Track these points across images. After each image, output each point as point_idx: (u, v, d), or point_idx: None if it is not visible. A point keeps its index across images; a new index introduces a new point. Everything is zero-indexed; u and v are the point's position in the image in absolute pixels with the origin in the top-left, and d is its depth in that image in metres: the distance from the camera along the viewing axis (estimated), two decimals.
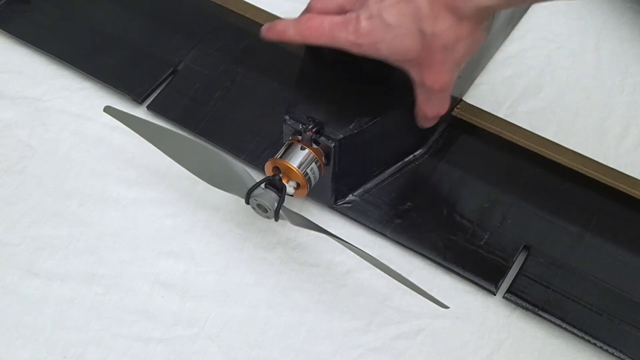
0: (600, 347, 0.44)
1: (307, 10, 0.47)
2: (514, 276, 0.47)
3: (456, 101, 0.55)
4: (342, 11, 0.44)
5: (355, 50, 0.43)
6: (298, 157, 0.45)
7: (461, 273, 0.48)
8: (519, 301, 0.46)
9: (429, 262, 0.49)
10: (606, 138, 0.55)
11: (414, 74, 0.44)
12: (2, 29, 0.62)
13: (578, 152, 0.52)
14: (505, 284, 0.47)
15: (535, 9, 0.63)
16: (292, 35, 0.46)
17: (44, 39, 0.61)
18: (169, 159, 0.48)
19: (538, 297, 0.46)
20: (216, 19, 0.61)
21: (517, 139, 0.53)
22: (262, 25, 0.59)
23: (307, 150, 0.45)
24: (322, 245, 0.50)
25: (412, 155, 0.52)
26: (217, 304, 0.48)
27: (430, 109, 0.47)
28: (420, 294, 0.42)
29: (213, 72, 0.58)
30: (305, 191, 0.46)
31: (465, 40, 0.42)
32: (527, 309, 0.46)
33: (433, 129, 0.53)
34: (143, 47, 0.60)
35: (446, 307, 0.43)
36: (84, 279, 0.49)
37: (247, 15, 0.61)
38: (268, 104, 0.55)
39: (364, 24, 0.42)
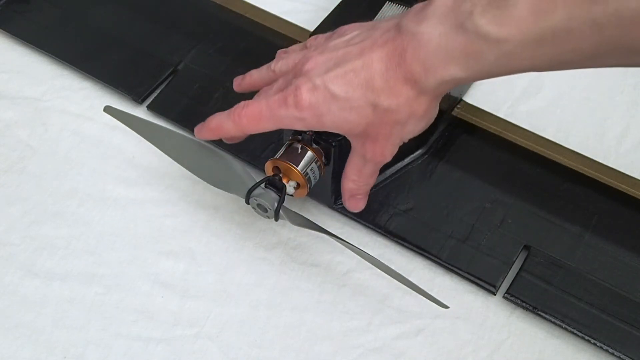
0: (600, 347, 0.44)
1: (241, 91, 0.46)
2: (514, 276, 0.47)
3: (456, 101, 0.55)
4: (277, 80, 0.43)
5: (299, 125, 0.40)
6: (298, 157, 0.45)
7: (461, 273, 0.48)
8: (519, 301, 0.46)
9: (429, 262, 0.49)
10: (606, 138, 0.55)
11: (355, 143, 0.42)
12: (2, 29, 0.62)
13: (578, 152, 0.52)
14: (505, 284, 0.47)
15: None
16: (230, 129, 0.42)
17: (44, 39, 0.61)
18: (169, 159, 0.48)
19: (538, 297, 0.46)
20: (216, 19, 0.61)
21: (517, 139, 0.53)
22: (262, 25, 0.60)
23: (307, 150, 0.45)
24: (322, 245, 0.50)
25: (412, 155, 0.52)
26: (217, 304, 0.48)
27: (360, 178, 0.44)
28: (420, 294, 0.42)
29: (213, 72, 0.58)
30: (305, 191, 0.46)
31: (419, 115, 0.39)
32: (527, 309, 0.46)
33: (433, 129, 0.53)
34: (143, 47, 0.60)
35: (446, 307, 0.43)
36: (84, 279, 0.49)
37: (247, 15, 0.61)
38: None
39: (306, 96, 0.39)
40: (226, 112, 0.43)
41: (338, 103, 0.38)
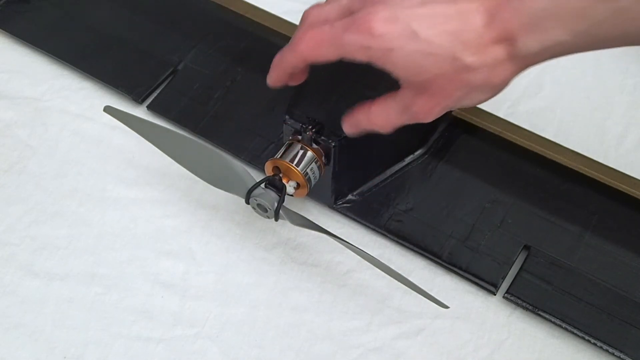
0: (600, 347, 0.44)
1: (301, 23, 0.40)
2: (514, 276, 0.47)
3: None
4: (347, 14, 0.38)
5: (361, 55, 0.36)
6: (298, 157, 0.45)
7: (461, 273, 0.48)
8: (519, 301, 0.46)
9: (429, 262, 0.49)
10: (606, 138, 0.55)
11: (406, 91, 0.38)
12: (2, 29, 0.62)
13: (578, 152, 0.52)
14: (505, 284, 0.47)
15: None
16: (291, 59, 0.39)
17: (44, 39, 0.61)
18: (169, 159, 0.48)
19: (538, 297, 0.46)
20: (216, 19, 0.61)
21: (517, 139, 0.53)
22: (262, 25, 0.60)
23: (307, 150, 0.45)
24: (322, 245, 0.50)
25: (412, 155, 0.52)
26: (217, 304, 0.48)
27: (383, 122, 0.40)
28: (420, 294, 0.42)
29: (213, 72, 0.58)
30: (305, 191, 0.46)
31: (493, 84, 0.36)
32: (527, 309, 0.46)
33: (433, 129, 0.53)
34: (143, 47, 0.60)
35: (446, 307, 0.43)
36: (84, 279, 0.49)
37: (247, 15, 0.61)
38: (268, 104, 0.55)
39: (380, 24, 0.35)
40: (288, 45, 0.39)
41: (416, 43, 0.34)
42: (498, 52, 0.34)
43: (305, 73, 0.43)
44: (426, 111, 0.38)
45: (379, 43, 0.35)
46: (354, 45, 0.36)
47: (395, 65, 0.36)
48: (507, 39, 0.34)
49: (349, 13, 0.37)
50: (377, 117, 0.40)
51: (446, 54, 0.34)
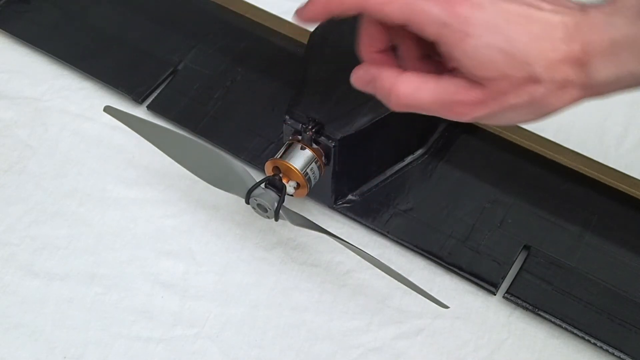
0: (600, 347, 0.44)
1: None
2: (514, 276, 0.47)
3: None
4: None
5: (432, 29, 0.33)
6: (298, 157, 0.45)
7: (461, 273, 0.48)
8: (519, 301, 0.46)
9: (429, 262, 0.49)
10: (606, 138, 0.55)
11: (459, 80, 0.35)
12: (2, 29, 0.62)
13: (578, 152, 0.52)
14: (505, 284, 0.47)
15: None
16: (349, 2, 0.35)
17: (44, 39, 0.61)
18: (169, 159, 0.48)
19: (538, 297, 0.46)
20: (216, 19, 0.61)
21: (517, 139, 0.53)
22: (262, 25, 0.60)
23: (307, 150, 0.45)
24: (322, 245, 0.50)
25: (412, 155, 0.52)
26: (217, 304, 0.48)
27: (408, 94, 0.36)
28: (420, 294, 0.42)
29: (213, 72, 0.58)
30: (305, 191, 0.46)
31: (546, 106, 0.34)
32: (527, 309, 0.46)
33: (433, 129, 0.53)
34: (143, 47, 0.60)
35: (446, 307, 0.43)
36: (84, 279, 0.49)
37: (247, 15, 0.61)
38: (268, 104, 0.55)
39: (466, 6, 0.32)
40: None
41: (495, 36, 0.33)
42: (569, 72, 0.33)
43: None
44: (469, 108, 0.35)
45: (459, 24, 0.33)
46: (430, 16, 0.33)
47: (464, 53, 0.33)
48: (580, 61, 0.33)
49: None
50: (406, 85, 0.36)
51: (521, 56, 0.33)
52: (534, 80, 0.33)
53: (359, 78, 0.38)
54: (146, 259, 0.50)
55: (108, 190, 0.53)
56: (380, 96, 0.37)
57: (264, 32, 0.60)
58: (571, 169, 0.51)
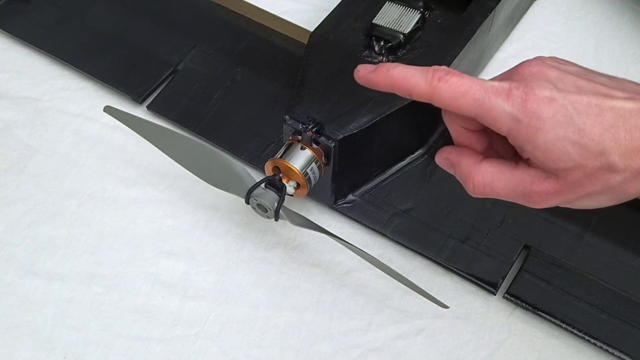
0: (600, 347, 0.44)
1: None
2: (514, 276, 0.47)
3: None
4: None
5: (503, 124, 0.34)
6: (298, 157, 0.45)
7: (461, 273, 0.48)
8: (519, 301, 0.46)
9: (429, 262, 0.49)
10: None
11: (535, 172, 0.34)
12: (2, 29, 0.62)
13: None
14: (505, 284, 0.47)
15: (535, 9, 0.63)
16: (419, 88, 0.35)
17: (44, 39, 0.61)
18: (169, 159, 0.48)
19: (538, 297, 0.46)
20: (216, 19, 0.61)
21: None
22: (262, 25, 0.60)
23: (307, 150, 0.45)
24: (322, 245, 0.50)
25: (412, 155, 0.52)
26: (217, 304, 0.48)
27: (485, 184, 0.36)
28: (420, 294, 0.42)
29: (213, 72, 0.58)
30: (305, 191, 0.46)
31: (623, 193, 0.34)
32: (527, 309, 0.46)
33: (433, 129, 0.53)
34: (143, 47, 0.60)
35: (446, 307, 0.43)
36: (84, 279, 0.49)
37: (247, 15, 0.61)
38: (268, 104, 0.55)
39: (537, 101, 0.33)
40: (419, 68, 0.36)
41: (566, 129, 0.33)
42: None
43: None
44: (544, 197, 0.35)
45: (529, 119, 0.33)
46: (501, 111, 0.34)
47: (536, 147, 0.33)
48: None
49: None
50: (482, 175, 0.37)
51: (594, 147, 0.32)
52: (609, 169, 0.33)
53: (442, 160, 0.39)
54: (146, 259, 0.50)
55: (108, 190, 0.53)
56: (460, 180, 0.38)
57: (264, 32, 0.60)
58: None
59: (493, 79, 0.35)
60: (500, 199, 0.36)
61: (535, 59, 0.36)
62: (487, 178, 0.36)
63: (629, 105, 0.33)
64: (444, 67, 0.35)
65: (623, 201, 0.34)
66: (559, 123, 0.33)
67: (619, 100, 0.33)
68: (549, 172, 0.34)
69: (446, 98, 0.35)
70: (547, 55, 0.36)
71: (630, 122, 0.32)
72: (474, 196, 0.37)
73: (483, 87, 0.34)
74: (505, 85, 0.34)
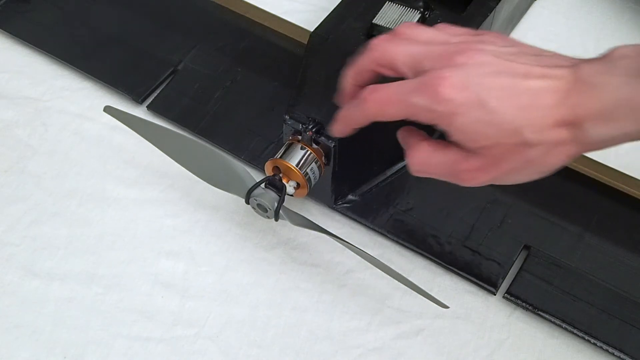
0: (600, 347, 0.44)
1: (393, 34, 0.39)
2: (514, 276, 0.47)
3: None
4: (417, 67, 0.37)
5: (424, 116, 0.36)
6: (298, 157, 0.45)
7: (461, 273, 0.48)
8: (519, 301, 0.46)
9: (429, 262, 0.49)
10: None
11: (461, 152, 0.37)
12: (2, 29, 0.62)
13: None
14: (505, 284, 0.47)
15: (535, 9, 0.63)
16: (357, 117, 0.39)
17: (44, 39, 0.61)
18: (169, 159, 0.48)
19: (538, 297, 0.46)
20: (216, 19, 0.61)
21: None
22: (262, 25, 0.60)
23: (307, 150, 0.45)
24: (322, 245, 0.50)
25: None
26: (217, 304, 0.48)
27: (419, 162, 0.39)
28: (420, 294, 0.43)
29: (213, 72, 0.58)
30: (305, 191, 0.46)
31: (544, 165, 0.35)
32: (527, 309, 0.46)
33: (433, 129, 0.53)
34: (143, 47, 0.60)
35: (446, 307, 0.43)
36: (84, 279, 0.49)
37: (247, 15, 0.61)
38: (268, 104, 0.55)
39: (449, 90, 0.35)
40: (354, 102, 0.39)
41: (480, 112, 0.35)
42: (561, 134, 0.34)
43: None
44: (472, 175, 0.37)
45: (444, 107, 0.35)
46: (419, 107, 0.36)
47: (456, 129, 0.36)
48: (573, 124, 0.34)
49: (419, 66, 0.37)
50: (419, 154, 0.39)
51: (508, 126, 0.34)
52: (525, 145, 0.34)
53: (399, 138, 0.41)
54: (146, 259, 0.50)
55: (108, 190, 0.53)
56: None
57: (264, 32, 0.60)
58: (571, 169, 0.51)
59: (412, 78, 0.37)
60: (437, 178, 0.39)
61: (469, 42, 0.37)
62: (423, 157, 0.39)
63: (544, 84, 0.34)
64: (368, 87, 0.38)
65: (551, 172, 0.36)
66: (473, 107, 0.35)
67: (534, 79, 0.35)
68: (472, 151, 0.36)
69: (376, 114, 0.38)
70: None
71: (544, 101, 0.34)
72: (413, 174, 0.40)
73: (399, 89, 0.37)
74: (419, 82, 0.36)
